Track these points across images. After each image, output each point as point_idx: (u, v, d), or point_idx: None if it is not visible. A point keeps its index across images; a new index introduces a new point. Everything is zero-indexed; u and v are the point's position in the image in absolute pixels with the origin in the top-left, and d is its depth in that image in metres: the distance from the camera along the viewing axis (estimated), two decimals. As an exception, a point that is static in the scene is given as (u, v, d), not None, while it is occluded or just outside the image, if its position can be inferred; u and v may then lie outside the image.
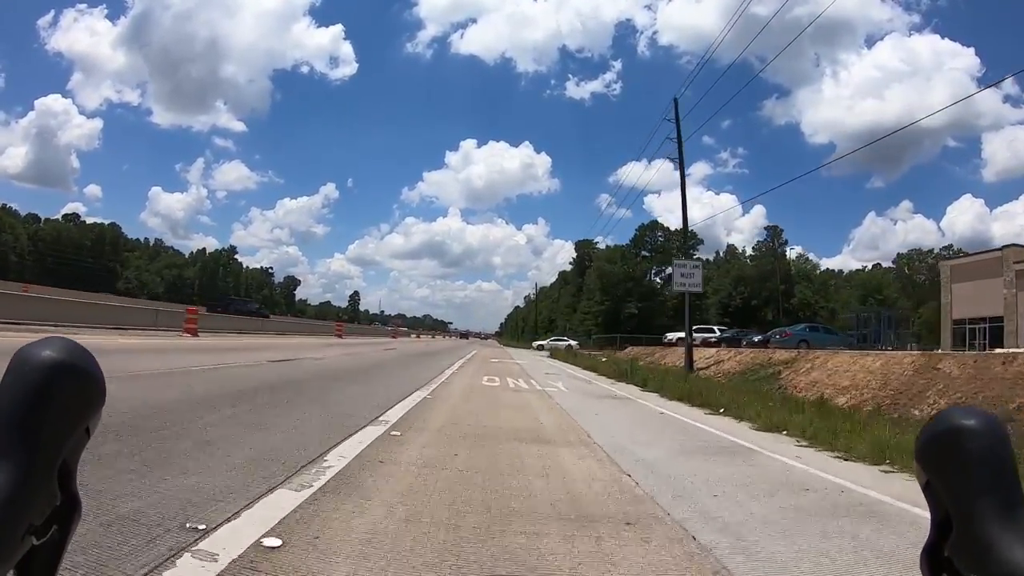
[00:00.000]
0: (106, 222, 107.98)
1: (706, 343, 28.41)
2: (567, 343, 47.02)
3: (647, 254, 59.55)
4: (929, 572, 0.43)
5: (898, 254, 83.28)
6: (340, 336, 30.48)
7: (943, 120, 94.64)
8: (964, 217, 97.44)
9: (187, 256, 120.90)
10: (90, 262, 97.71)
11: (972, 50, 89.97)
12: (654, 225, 61.26)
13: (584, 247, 67.10)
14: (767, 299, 56.07)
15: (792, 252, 62.44)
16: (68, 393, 0.41)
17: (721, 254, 71.13)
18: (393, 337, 46.60)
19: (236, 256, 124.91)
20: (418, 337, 65.92)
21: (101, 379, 0.43)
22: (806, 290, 58.45)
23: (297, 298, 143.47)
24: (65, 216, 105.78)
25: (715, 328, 33.85)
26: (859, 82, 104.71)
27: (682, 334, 35.18)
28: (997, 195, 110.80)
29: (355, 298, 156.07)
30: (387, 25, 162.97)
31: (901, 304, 71.96)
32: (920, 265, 79.72)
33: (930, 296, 75.88)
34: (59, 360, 0.41)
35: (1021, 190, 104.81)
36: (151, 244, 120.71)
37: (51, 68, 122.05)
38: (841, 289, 67.07)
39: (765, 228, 63.36)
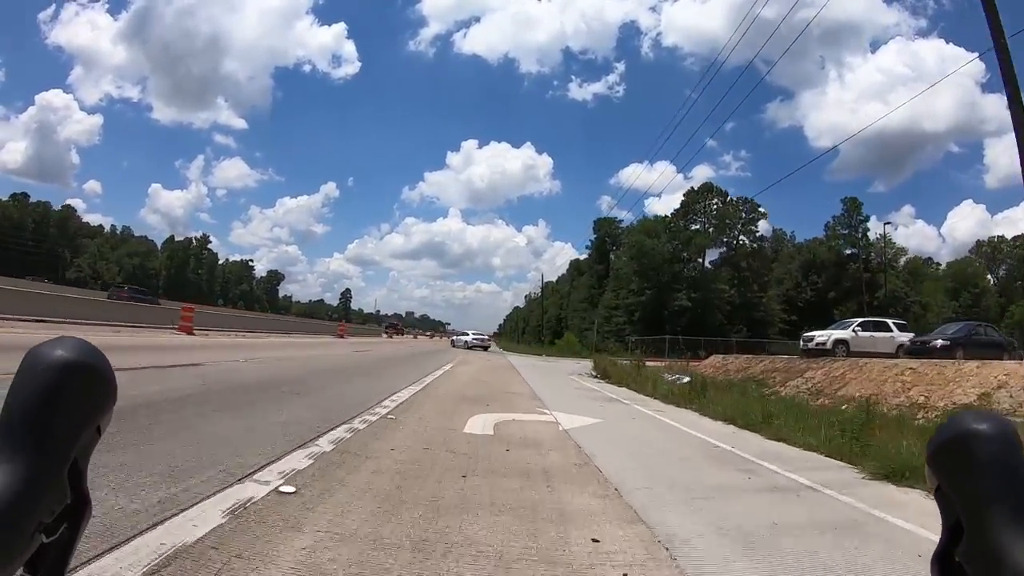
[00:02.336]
0: (57, 205, 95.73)
1: (921, 347, 15.53)
2: (465, 339, 37.87)
3: (698, 228, 45.02)
4: None
5: (977, 241, 70.71)
6: (189, 331, 17.04)
7: (947, 125, 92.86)
8: (965, 223, 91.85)
9: (159, 245, 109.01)
10: (31, 245, 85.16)
11: (977, 55, 79.43)
12: (707, 189, 46.36)
13: (605, 226, 53.13)
14: (848, 291, 43.29)
15: (872, 232, 48.16)
16: (79, 392, 0.40)
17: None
18: (340, 336, 33.26)
19: (209, 246, 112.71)
20: (390, 337, 50.87)
21: (113, 378, 0.42)
22: (895, 279, 45.52)
23: (281, 294, 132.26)
24: (13, 196, 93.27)
25: (888, 321, 20.20)
26: (864, 86, 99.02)
27: (841, 334, 17.83)
28: (999, 201, 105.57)
29: (347, 295, 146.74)
30: (390, 23, 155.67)
31: (989, 299, 59.47)
32: (1002, 256, 67.00)
33: (1020, 291, 63.39)
34: (71, 359, 0.40)
35: (1023, 196, 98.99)
36: (118, 231, 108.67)
37: (52, 63, 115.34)
38: (919, 280, 54.21)
39: (841, 201, 49.71)
